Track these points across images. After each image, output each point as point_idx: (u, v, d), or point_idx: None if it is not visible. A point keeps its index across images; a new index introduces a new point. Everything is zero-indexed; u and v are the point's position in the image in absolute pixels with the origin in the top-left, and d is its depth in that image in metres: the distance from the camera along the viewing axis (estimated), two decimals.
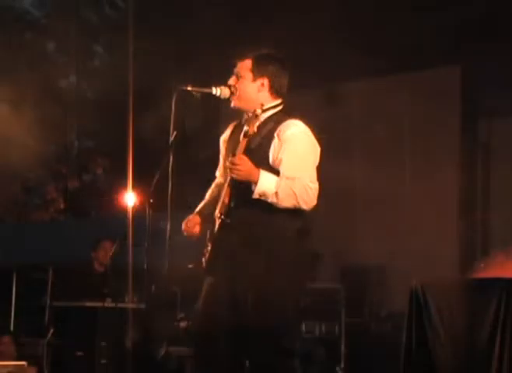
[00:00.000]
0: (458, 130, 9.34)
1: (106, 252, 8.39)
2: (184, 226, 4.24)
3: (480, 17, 8.55)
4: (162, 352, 8.71)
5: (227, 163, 4.07)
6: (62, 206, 18.37)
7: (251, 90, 4.20)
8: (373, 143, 9.50)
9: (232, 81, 4.22)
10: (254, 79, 4.21)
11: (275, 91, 4.23)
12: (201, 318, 4.14)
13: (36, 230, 13.12)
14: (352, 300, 8.45)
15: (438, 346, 6.17)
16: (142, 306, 8.00)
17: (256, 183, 3.98)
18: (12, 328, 10.70)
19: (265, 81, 4.21)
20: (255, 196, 4.00)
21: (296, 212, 4.06)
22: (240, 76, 4.21)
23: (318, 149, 4.19)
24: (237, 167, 3.98)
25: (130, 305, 8.06)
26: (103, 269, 8.47)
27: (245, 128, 4.12)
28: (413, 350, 6.28)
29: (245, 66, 4.22)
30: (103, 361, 7.89)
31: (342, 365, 8.08)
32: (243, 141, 4.09)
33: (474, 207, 9.32)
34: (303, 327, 7.91)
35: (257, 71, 4.21)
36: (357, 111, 9.74)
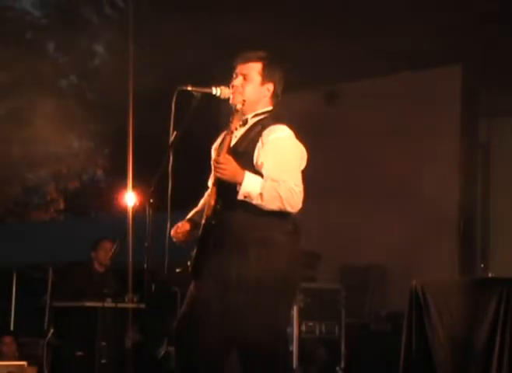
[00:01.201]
0: (458, 130, 9.34)
1: (106, 253, 8.39)
2: (173, 232, 4.21)
3: (480, 17, 8.56)
4: (162, 352, 8.72)
5: (212, 162, 4.05)
6: (62, 206, 18.39)
7: (258, 94, 4.17)
8: (372, 143, 9.50)
9: (238, 81, 4.16)
10: (263, 83, 4.17)
11: (275, 97, 4.21)
12: (183, 323, 4.11)
13: (36, 230, 13.11)
14: (352, 300, 8.45)
15: (438, 346, 6.18)
16: (142, 306, 8.01)
17: (241, 184, 3.96)
18: (12, 328, 10.72)
19: (271, 87, 4.19)
20: (240, 197, 3.97)
21: (285, 214, 4.03)
22: (248, 78, 4.16)
23: (304, 153, 4.16)
24: (222, 166, 3.96)
25: (130, 305, 8.07)
26: (103, 269, 8.46)
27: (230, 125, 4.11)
28: (413, 350, 6.28)
29: (253, 68, 4.17)
30: (103, 361, 7.90)
31: (342, 365, 8.08)
32: (227, 138, 4.06)
33: (474, 207, 9.32)
34: (303, 327, 7.91)
35: (267, 76, 4.17)
36: (357, 111, 9.74)
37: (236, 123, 4.09)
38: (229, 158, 3.99)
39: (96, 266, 8.53)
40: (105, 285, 8.20)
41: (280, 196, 3.95)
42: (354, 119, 9.64)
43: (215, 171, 4.00)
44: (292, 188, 3.98)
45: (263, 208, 3.98)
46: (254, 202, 3.97)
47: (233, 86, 4.16)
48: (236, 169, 3.98)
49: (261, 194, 3.96)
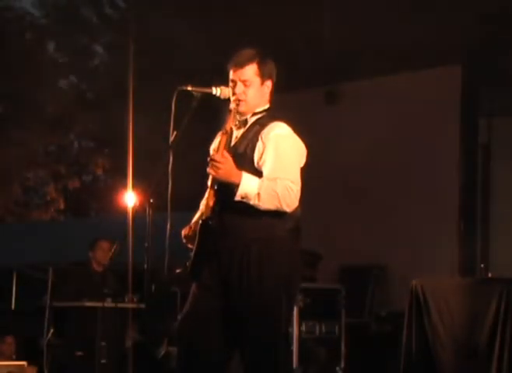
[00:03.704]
0: (458, 130, 9.34)
1: (103, 252, 8.38)
2: (183, 234, 4.20)
3: (480, 17, 8.55)
4: (162, 352, 8.72)
5: (208, 158, 4.01)
6: (62, 206, 18.41)
7: (260, 95, 4.15)
8: (372, 142, 9.49)
9: (239, 89, 4.12)
10: (262, 83, 4.16)
11: (272, 93, 4.21)
12: (185, 323, 4.11)
13: (36, 230, 13.12)
14: (352, 300, 8.44)
15: (438, 346, 6.18)
16: (142, 306, 8.01)
17: (238, 185, 3.93)
18: (12, 328, 10.72)
19: (269, 84, 4.19)
20: (237, 198, 3.94)
21: (282, 213, 4.00)
22: (249, 83, 4.12)
23: (303, 151, 4.14)
24: (217, 164, 3.93)
25: (130, 305, 8.06)
26: (101, 269, 8.45)
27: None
28: (413, 350, 6.29)
29: (250, 71, 4.13)
30: (103, 361, 7.90)
31: (342, 365, 8.07)
32: (222, 138, 4.05)
33: (474, 207, 9.32)
34: (303, 327, 7.90)
35: (264, 74, 4.15)
36: (357, 111, 9.74)
37: (230, 122, 4.07)
38: (227, 157, 3.96)
39: (95, 265, 8.52)
40: (105, 285, 8.19)
41: (277, 195, 3.93)
42: (354, 119, 9.64)
43: (210, 168, 3.96)
44: (289, 186, 3.95)
45: (260, 208, 3.96)
46: (252, 202, 3.94)
47: (234, 94, 4.12)
48: (231, 169, 3.94)
49: (258, 194, 3.93)
